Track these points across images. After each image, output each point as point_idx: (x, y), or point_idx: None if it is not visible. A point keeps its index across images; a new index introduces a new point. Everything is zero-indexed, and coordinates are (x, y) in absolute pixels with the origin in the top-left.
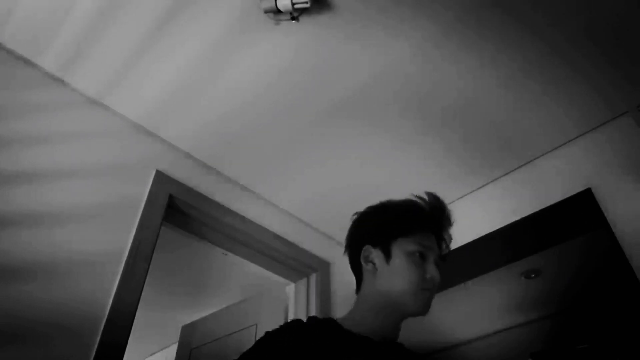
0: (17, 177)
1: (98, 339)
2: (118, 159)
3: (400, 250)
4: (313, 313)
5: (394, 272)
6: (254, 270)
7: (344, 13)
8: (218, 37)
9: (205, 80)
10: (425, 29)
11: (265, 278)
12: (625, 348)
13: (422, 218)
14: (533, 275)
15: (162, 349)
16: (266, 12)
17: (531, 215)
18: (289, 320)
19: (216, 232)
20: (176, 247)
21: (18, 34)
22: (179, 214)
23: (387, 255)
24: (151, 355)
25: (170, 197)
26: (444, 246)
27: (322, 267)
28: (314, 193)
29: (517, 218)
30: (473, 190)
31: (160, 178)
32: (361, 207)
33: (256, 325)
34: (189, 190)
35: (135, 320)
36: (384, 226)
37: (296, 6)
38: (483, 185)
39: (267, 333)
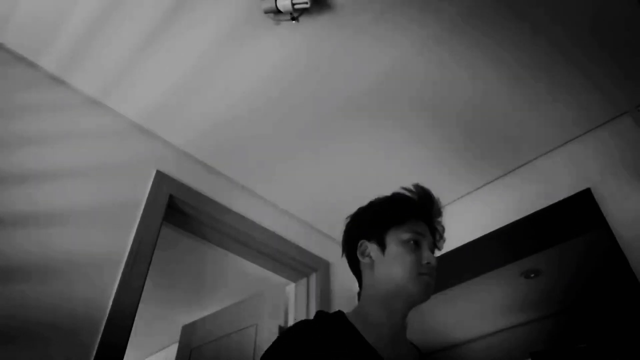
0: (18, 178)
1: (98, 340)
2: (118, 159)
3: (395, 239)
4: (313, 313)
5: (391, 262)
6: (254, 270)
7: (344, 13)
8: (218, 37)
9: (205, 80)
10: (429, 28)
11: (265, 278)
12: (625, 348)
13: (412, 206)
14: (532, 275)
15: (162, 349)
16: (266, 12)
17: (531, 215)
18: (289, 320)
19: (216, 232)
20: (176, 247)
21: (19, 34)
22: (179, 214)
23: (382, 246)
24: (151, 355)
25: (171, 197)
26: (437, 235)
27: (322, 267)
28: (314, 193)
29: (517, 218)
30: (473, 190)
31: (161, 178)
32: None
33: (256, 325)
34: (189, 190)
35: (135, 320)
36: (376, 219)
37: (296, 6)
38: (482, 186)
39: (280, 339)
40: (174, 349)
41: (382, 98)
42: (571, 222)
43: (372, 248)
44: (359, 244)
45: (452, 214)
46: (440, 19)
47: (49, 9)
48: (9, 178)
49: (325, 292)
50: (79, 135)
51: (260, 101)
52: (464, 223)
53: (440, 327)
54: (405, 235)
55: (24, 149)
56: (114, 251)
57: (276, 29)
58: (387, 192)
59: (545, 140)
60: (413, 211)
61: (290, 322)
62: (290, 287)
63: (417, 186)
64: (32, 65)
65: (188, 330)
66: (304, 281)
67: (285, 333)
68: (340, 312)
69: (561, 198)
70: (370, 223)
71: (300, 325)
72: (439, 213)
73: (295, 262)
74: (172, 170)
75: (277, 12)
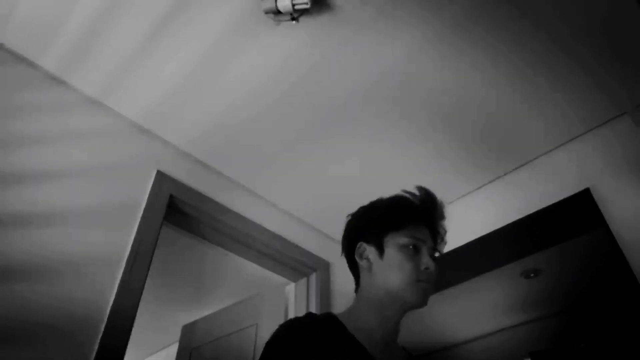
0: (17, 177)
1: (98, 341)
2: (118, 159)
3: (393, 244)
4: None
5: (389, 266)
6: (254, 270)
7: (344, 13)
8: (218, 37)
9: (205, 81)
10: (430, 26)
11: (265, 278)
12: (625, 348)
13: (412, 211)
14: (532, 275)
15: (162, 349)
16: (266, 12)
17: (530, 215)
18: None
19: (216, 232)
20: (176, 246)
21: (19, 34)
22: (180, 214)
23: (381, 250)
24: (152, 354)
25: (171, 197)
26: (438, 239)
27: (322, 267)
28: (314, 193)
29: (516, 218)
30: (473, 190)
31: (161, 178)
32: None
33: (256, 325)
34: (190, 190)
35: (135, 320)
36: (375, 222)
37: (296, 7)
38: (482, 186)
39: (275, 338)
40: (174, 349)
41: (383, 98)
42: (571, 221)
43: (370, 251)
44: (357, 246)
45: (452, 214)
46: (442, 16)
47: (49, 9)
48: (9, 178)
49: (325, 292)
50: (79, 135)
51: (261, 101)
52: (463, 223)
53: (440, 327)
54: (404, 240)
55: (23, 149)
56: (114, 251)
57: (276, 29)
58: (389, 191)
59: (545, 139)
60: (413, 216)
61: None
62: (290, 287)
63: (420, 189)
64: (32, 65)
65: (188, 330)
66: (303, 281)
67: (281, 330)
68: (329, 314)
69: (561, 198)
70: (369, 226)
71: (296, 323)
72: (441, 217)
73: (295, 262)
74: (172, 170)
75: (277, 12)
